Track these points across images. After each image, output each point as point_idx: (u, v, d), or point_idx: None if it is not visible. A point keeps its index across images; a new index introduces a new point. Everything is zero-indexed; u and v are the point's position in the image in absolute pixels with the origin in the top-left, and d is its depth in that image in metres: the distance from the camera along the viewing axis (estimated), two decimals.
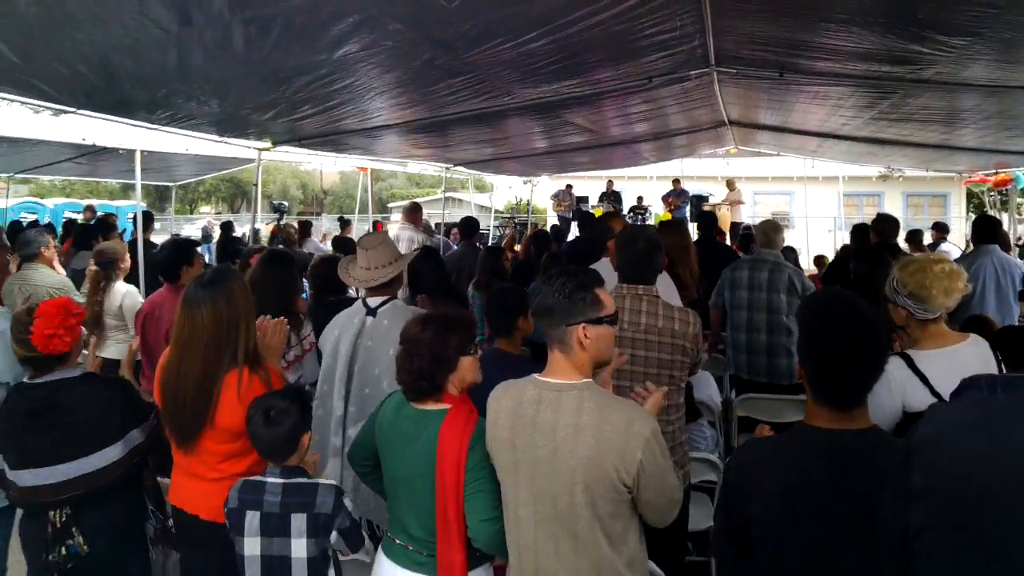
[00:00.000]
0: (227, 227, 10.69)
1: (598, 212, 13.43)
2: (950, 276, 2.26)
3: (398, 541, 2.13)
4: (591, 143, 9.32)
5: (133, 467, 2.51)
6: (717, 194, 16.11)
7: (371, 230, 10.30)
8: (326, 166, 24.82)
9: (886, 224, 5.56)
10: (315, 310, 4.08)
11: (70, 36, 3.43)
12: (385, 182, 34.36)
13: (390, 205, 28.22)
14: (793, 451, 1.66)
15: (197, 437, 2.33)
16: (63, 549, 2.37)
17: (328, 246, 11.50)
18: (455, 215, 14.39)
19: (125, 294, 4.45)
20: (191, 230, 13.84)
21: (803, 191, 15.66)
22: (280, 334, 2.66)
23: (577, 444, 1.73)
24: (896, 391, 2.22)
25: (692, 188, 16.03)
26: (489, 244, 9.32)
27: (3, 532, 2.79)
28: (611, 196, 15.50)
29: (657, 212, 15.52)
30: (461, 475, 1.97)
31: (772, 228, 4.78)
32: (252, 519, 2.12)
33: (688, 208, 14.87)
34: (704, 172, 18.08)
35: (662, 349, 2.73)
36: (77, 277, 5.34)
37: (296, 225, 10.92)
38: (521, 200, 18.76)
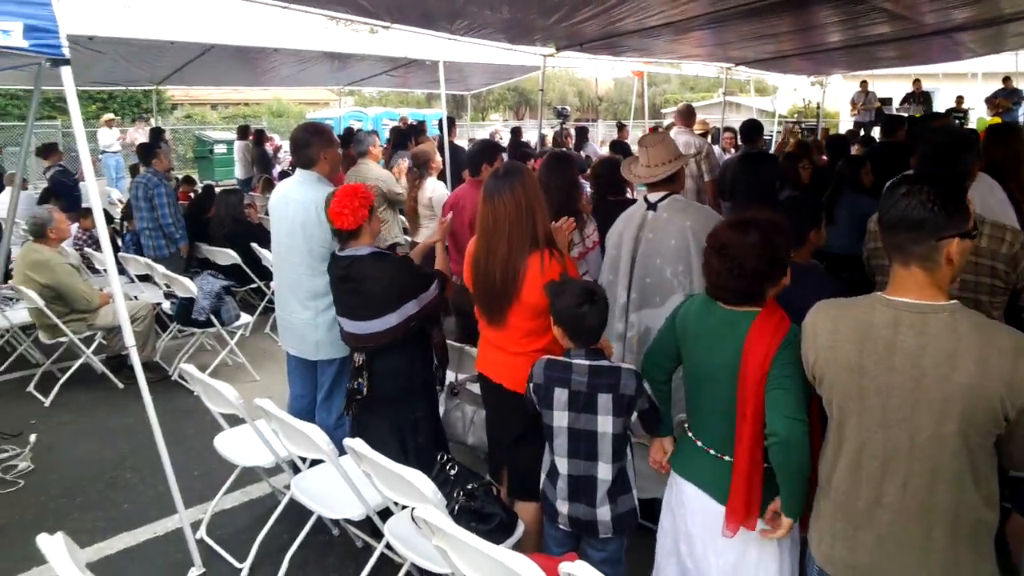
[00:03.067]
0: (515, 132, 11.48)
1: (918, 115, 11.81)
2: None
3: (699, 443, 2.17)
4: (900, 34, 8.15)
5: (413, 330, 2.98)
6: None
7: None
8: (601, 73, 24.95)
9: None
10: (598, 210, 4.34)
11: None
12: (658, 87, 33.49)
13: (663, 110, 27.59)
14: None
15: (506, 313, 2.66)
16: (356, 384, 3.06)
17: (605, 150, 11.85)
18: (733, 120, 13.69)
19: (434, 188, 5.15)
20: (482, 135, 15.05)
21: None
22: (567, 233, 2.92)
23: (953, 370, 1.57)
24: None
25: None
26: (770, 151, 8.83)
27: None
28: (919, 98, 13.47)
29: (981, 116, 13.21)
30: (765, 374, 1.96)
31: None
32: (560, 395, 2.30)
33: (1021, 110, 12.44)
34: None
35: (964, 268, 2.50)
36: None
37: (571, 130, 11.43)
38: (809, 103, 17.14)
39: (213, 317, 5.14)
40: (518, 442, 2.76)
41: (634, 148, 9.41)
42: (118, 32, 6.97)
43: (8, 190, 8.14)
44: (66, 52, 2.68)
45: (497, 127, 19.58)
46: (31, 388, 4.99)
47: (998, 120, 11.79)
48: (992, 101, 12.81)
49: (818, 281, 2.86)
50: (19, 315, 5.29)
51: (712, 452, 2.13)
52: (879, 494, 1.69)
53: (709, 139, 8.05)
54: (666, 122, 19.03)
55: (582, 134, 11.17)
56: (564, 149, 8.59)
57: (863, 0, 6.03)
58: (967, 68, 13.64)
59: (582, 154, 9.54)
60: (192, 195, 7.98)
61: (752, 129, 6.89)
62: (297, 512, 3.00)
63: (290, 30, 8.14)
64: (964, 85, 14.75)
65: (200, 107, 26.71)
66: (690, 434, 2.23)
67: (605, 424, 2.27)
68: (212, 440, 3.28)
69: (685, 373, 2.25)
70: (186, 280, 5.11)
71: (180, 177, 10.19)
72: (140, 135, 13.41)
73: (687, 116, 6.85)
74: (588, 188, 6.74)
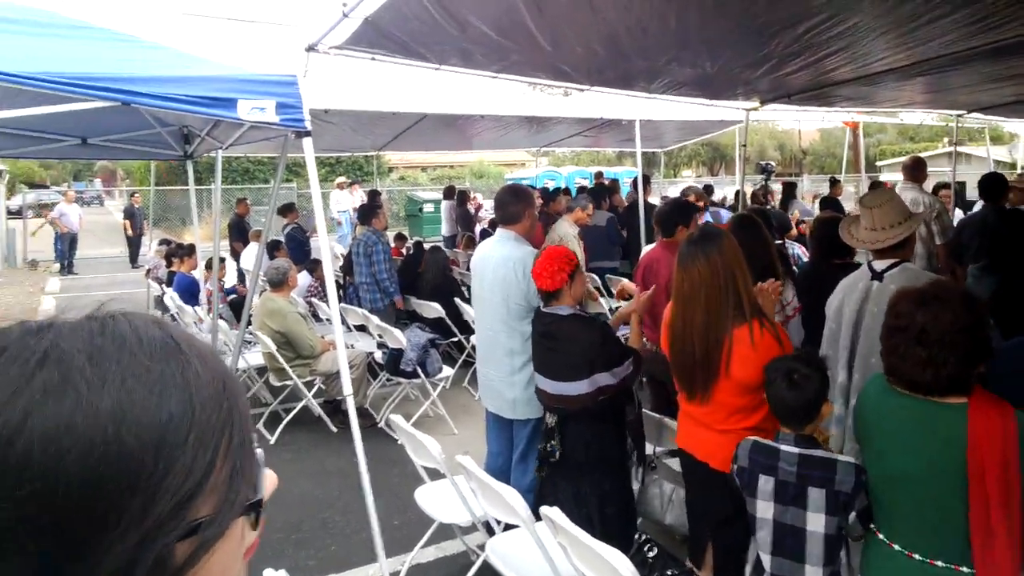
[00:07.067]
0: (707, 190, 11.19)
1: None
2: None
3: (896, 546, 1.89)
4: None
5: (603, 403, 2.87)
6: None
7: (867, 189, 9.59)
8: (805, 124, 23.72)
9: None
10: (818, 272, 4.01)
11: (591, 19, 4.03)
12: (872, 138, 31.11)
13: (879, 163, 25.49)
14: None
15: (711, 388, 2.49)
16: (548, 446, 2.99)
17: (815, 207, 11.13)
18: (964, 173, 12.27)
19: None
20: (673, 192, 14.88)
21: None
22: (773, 295, 2.72)
23: None
24: None
25: None
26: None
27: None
28: None
29: None
30: (1014, 478, 1.69)
31: None
32: (765, 483, 2.11)
33: None
34: None
35: None
36: (591, 231, 6.34)
37: (774, 186, 10.90)
38: None
39: (419, 368, 5.41)
40: (727, 522, 2.54)
41: (847, 205, 8.73)
42: (349, 105, 7.83)
43: (253, 245, 9.30)
44: (308, 125, 3.01)
45: (691, 184, 19.24)
46: (260, 425, 5.54)
47: None
48: None
49: None
50: (254, 358, 5.96)
51: (917, 557, 1.82)
52: None
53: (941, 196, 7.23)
54: (882, 176, 17.50)
55: (789, 190, 10.56)
56: (766, 207, 8.17)
57: None
58: None
59: (791, 211, 9.03)
60: (404, 251, 8.62)
61: (994, 184, 6.03)
62: (489, 575, 2.97)
63: (493, 97, 8.65)
64: None
65: (412, 169, 29.15)
66: (881, 536, 1.93)
67: (816, 522, 2.01)
68: (413, 491, 3.39)
69: (871, 472, 1.96)
70: (397, 332, 5.45)
71: (393, 235, 11.09)
72: (359, 197, 15.08)
73: (916, 170, 6.16)
74: (796, 249, 6.31)
